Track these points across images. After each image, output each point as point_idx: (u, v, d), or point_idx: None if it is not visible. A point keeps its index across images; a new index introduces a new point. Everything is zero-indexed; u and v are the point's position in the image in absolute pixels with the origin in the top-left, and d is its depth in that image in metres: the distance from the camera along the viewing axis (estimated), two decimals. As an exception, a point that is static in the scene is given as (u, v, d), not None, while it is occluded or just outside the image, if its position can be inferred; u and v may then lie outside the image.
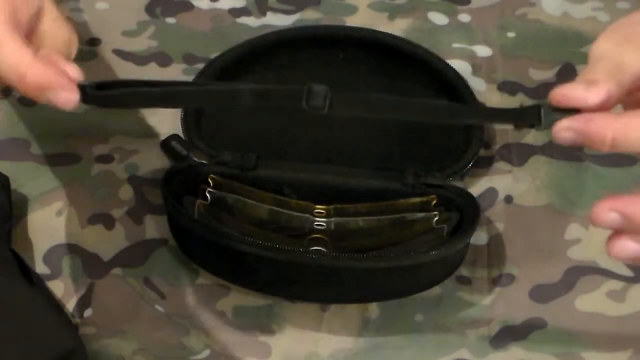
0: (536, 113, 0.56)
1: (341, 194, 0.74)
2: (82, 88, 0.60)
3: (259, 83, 0.80)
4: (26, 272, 0.71)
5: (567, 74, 0.83)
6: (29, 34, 0.63)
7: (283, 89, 0.59)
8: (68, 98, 0.61)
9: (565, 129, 0.56)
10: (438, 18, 0.87)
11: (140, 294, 0.72)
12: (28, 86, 0.60)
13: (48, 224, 0.75)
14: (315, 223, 0.74)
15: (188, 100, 0.64)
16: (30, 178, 0.77)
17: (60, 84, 0.60)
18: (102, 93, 0.61)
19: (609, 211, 0.55)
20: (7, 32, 0.60)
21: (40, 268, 0.73)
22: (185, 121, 0.77)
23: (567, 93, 0.56)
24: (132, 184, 0.77)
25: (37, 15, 0.64)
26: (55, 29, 0.65)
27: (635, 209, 0.55)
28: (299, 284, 0.69)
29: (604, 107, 0.55)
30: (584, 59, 0.83)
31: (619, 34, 0.58)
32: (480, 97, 0.80)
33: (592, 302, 0.72)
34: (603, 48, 0.58)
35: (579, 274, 0.73)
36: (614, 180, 0.77)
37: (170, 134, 0.78)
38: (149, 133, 0.79)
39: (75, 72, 0.61)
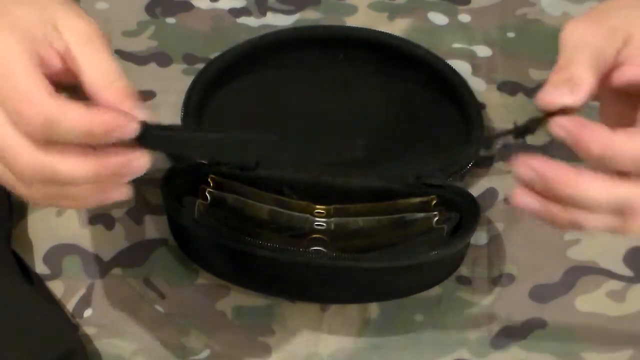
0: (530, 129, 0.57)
1: (341, 194, 0.74)
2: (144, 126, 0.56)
3: (258, 83, 0.80)
4: (26, 272, 0.71)
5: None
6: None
7: None
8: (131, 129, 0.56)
9: (559, 126, 0.56)
10: (438, 18, 0.87)
11: (140, 294, 0.72)
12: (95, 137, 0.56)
13: (48, 224, 0.75)
14: (316, 223, 0.74)
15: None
16: (30, 178, 0.77)
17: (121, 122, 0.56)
18: (162, 133, 0.57)
19: (529, 167, 0.56)
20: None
21: (40, 268, 0.73)
22: (185, 121, 0.77)
23: (553, 100, 0.56)
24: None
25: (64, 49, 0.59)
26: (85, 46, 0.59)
27: (550, 172, 0.55)
28: (299, 284, 0.69)
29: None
30: (584, 59, 0.83)
31: (595, 19, 0.58)
32: (480, 97, 0.80)
33: (592, 302, 0.72)
34: (579, 34, 0.57)
35: (579, 274, 0.73)
36: (614, 180, 0.77)
37: (170, 134, 0.78)
38: None
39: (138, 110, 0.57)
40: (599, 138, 0.55)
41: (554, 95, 0.56)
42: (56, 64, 0.58)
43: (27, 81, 0.56)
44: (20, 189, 0.59)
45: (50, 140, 0.56)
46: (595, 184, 0.55)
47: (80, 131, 0.55)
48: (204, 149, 0.62)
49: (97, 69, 0.58)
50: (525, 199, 0.57)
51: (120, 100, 0.57)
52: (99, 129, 0.55)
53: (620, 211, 0.56)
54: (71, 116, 0.55)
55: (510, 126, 0.60)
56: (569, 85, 0.56)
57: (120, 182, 0.58)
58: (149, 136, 0.57)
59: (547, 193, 0.56)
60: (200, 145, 0.60)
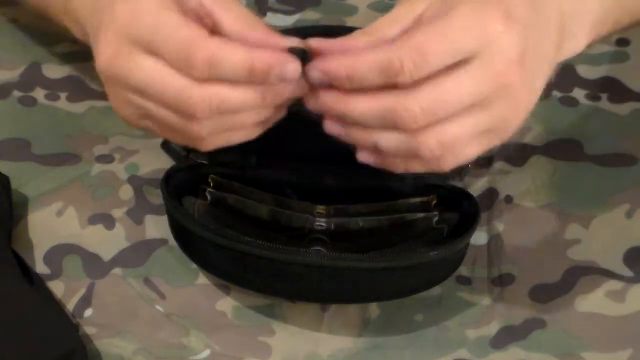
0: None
1: (341, 194, 0.74)
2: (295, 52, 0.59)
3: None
4: (26, 272, 0.71)
5: (567, 74, 0.83)
6: None
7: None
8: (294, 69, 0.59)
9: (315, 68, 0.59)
10: (438, 18, 0.87)
11: (140, 294, 0.72)
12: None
13: (48, 224, 0.75)
14: (316, 223, 0.74)
15: None
16: (30, 178, 0.77)
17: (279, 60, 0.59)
18: None
19: (315, 70, 0.59)
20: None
21: (40, 268, 0.73)
22: None
23: None
24: (132, 184, 0.77)
25: None
26: None
27: (326, 97, 0.60)
28: (299, 284, 0.69)
29: None
30: (585, 59, 0.84)
31: None
32: (480, 97, 0.80)
33: (592, 302, 0.72)
34: None
35: (579, 274, 0.73)
36: (613, 180, 0.77)
37: (171, 134, 0.78)
38: (149, 133, 0.79)
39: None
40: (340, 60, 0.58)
41: None
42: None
43: (184, 27, 0.59)
44: (190, 130, 0.61)
45: (213, 78, 0.59)
46: (360, 99, 0.58)
47: (243, 68, 0.58)
48: None
49: (235, 17, 0.60)
50: (332, 127, 0.61)
51: (268, 37, 0.60)
52: (260, 66, 0.58)
53: (385, 120, 0.58)
54: (234, 54, 0.58)
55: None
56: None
57: (281, 101, 0.61)
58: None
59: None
60: None
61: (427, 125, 0.58)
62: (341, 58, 0.59)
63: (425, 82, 0.57)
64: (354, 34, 0.61)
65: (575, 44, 0.65)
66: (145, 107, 0.62)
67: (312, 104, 0.61)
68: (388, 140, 0.59)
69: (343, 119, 0.60)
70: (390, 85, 0.58)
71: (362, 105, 0.59)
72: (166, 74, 0.60)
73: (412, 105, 0.57)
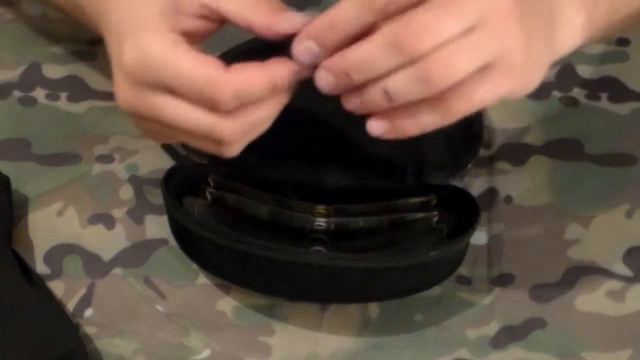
0: None
1: (341, 194, 0.74)
2: None
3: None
4: (26, 272, 0.71)
5: (567, 74, 0.83)
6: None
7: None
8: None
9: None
10: (438, 18, 0.87)
11: (140, 294, 0.72)
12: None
13: (48, 224, 0.75)
14: (316, 223, 0.74)
15: None
16: (30, 178, 0.77)
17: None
18: None
19: (305, 42, 0.59)
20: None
21: (40, 268, 0.73)
22: None
23: None
24: (132, 184, 0.77)
25: None
26: None
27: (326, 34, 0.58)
28: (299, 284, 0.69)
29: None
30: (585, 59, 0.84)
31: None
32: (480, 97, 0.80)
33: (592, 302, 0.72)
34: None
35: (579, 274, 0.73)
36: (613, 180, 0.77)
37: (171, 134, 0.78)
38: None
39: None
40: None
41: None
42: (192, 23, 0.62)
43: (199, 67, 0.59)
44: (221, 150, 0.62)
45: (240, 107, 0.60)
46: (360, 43, 0.57)
47: (267, 89, 0.59)
48: None
49: (237, 4, 0.61)
50: (349, 102, 0.60)
51: (273, 20, 0.60)
52: (282, 82, 0.59)
53: (390, 49, 0.56)
54: (255, 80, 0.59)
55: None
56: None
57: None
58: None
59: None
60: None
61: (431, 44, 0.56)
62: (345, 51, 0.58)
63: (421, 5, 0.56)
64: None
65: (569, 40, 0.64)
66: (176, 136, 0.63)
67: (322, 79, 0.59)
68: (397, 80, 0.57)
69: (351, 78, 0.58)
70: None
71: (364, 46, 0.57)
72: (192, 112, 0.60)
73: (414, 23, 0.56)
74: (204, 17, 0.62)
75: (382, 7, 0.56)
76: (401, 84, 0.57)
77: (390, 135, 0.59)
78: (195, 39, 0.63)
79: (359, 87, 0.58)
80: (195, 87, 0.59)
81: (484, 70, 0.57)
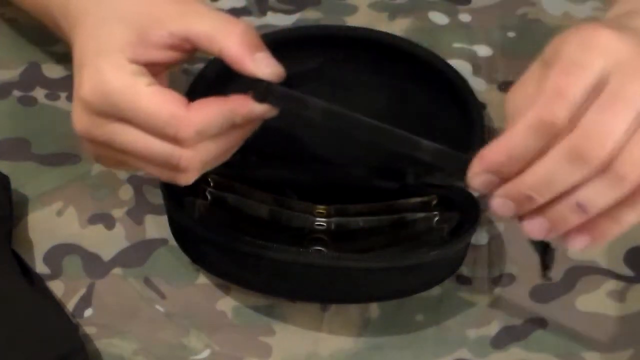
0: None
1: (341, 194, 0.74)
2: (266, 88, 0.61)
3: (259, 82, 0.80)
4: (26, 272, 0.71)
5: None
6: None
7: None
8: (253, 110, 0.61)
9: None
10: (438, 18, 0.87)
11: (140, 294, 0.72)
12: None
13: (48, 224, 0.75)
14: (316, 223, 0.74)
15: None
16: (30, 178, 0.77)
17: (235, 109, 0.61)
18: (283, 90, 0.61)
19: (483, 176, 0.58)
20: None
21: (40, 268, 0.73)
22: None
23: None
24: (132, 183, 0.77)
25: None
26: None
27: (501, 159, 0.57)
28: (299, 284, 0.69)
29: None
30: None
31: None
32: (481, 97, 0.80)
33: (592, 302, 0.72)
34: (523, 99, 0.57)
35: (579, 274, 0.73)
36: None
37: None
38: None
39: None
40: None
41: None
42: (160, 54, 0.62)
43: (161, 104, 0.59)
44: (178, 178, 0.62)
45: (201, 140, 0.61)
46: (534, 165, 0.56)
47: (228, 123, 0.60)
48: (316, 113, 0.63)
49: (208, 29, 0.61)
50: (532, 228, 0.58)
51: (246, 51, 0.61)
52: (240, 118, 0.61)
53: (572, 160, 0.55)
54: (216, 115, 0.60)
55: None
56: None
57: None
58: (272, 95, 0.61)
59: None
60: (313, 109, 0.62)
61: (613, 148, 0.55)
62: (492, 145, 0.57)
63: (584, 112, 0.55)
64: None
65: None
66: (130, 162, 0.63)
67: (501, 206, 0.58)
68: (589, 191, 0.56)
69: (533, 200, 0.57)
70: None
71: (544, 165, 0.56)
72: (149, 140, 0.60)
73: (589, 130, 0.55)
74: (173, 47, 0.62)
75: (561, 129, 0.55)
76: (594, 193, 0.56)
77: (595, 244, 0.58)
78: (162, 70, 0.63)
79: (542, 208, 0.57)
80: (156, 123, 0.59)
81: None
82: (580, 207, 0.56)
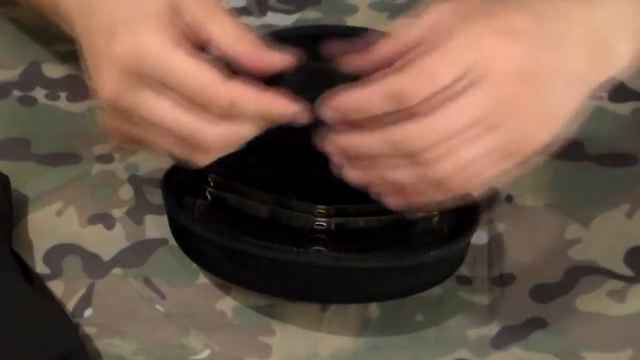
0: None
1: (341, 194, 0.74)
2: None
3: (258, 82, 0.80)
4: (26, 272, 0.71)
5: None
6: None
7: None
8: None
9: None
10: (438, 18, 0.87)
11: (140, 294, 0.72)
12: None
13: (48, 224, 0.75)
14: (316, 223, 0.74)
15: None
16: (30, 178, 0.77)
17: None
18: None
19: (328, 109, 0.61)
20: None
21: (40, 268, 0.73)
22: None
23: None
24: (132, 183, 0.77)
25: None
26: None
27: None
28: (299, 284, 0.69)
29: None
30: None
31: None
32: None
33: (592, 302, 0.72)
34: None
35: (579, 274, 0.73)
36: (614, 180, 0.77)
37: (171, 133, 0.78)
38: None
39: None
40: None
41: None
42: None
43: (199, 71, 0.59)
44: (195, 157, 0.63)
45: (229, 117, 0.61)
46: (373, 132, 0.60)
47: (261, 113, 0.61)
48: None
49: (224, 31, 0.61)
50: (352, 174, 0.63)
51: (254, 52, 0.61)
52: (277, 113, 0.61)
53: (399, 151, 0.59)
54: (252, 100, 0.60)
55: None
56: None
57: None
58: None
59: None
60: None
61: (442, 153, 0.59)
62: (350, 93, 0.60)
63: (432, 110, 0.58)
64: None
65: (618, 59, 0.63)
66: (149, 136, 0.63)
67: (329, 147, 0.63)
68: (406, 174, 0.60)
69: (359, 160, 0.61)
70: (399, 118, 0.59)
71: (375, 138, 0.60)
72: (179, 113, 0.61)
73: (423, 132, 0.58)
74: (193, 31, 0.62)
75: (405, 104, 0.58)
76: (410, 177, 0.60)
77: (406, 207, 0.63)
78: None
79: (365, 166, 0.62)
80: (191, 89, 0.59)
81: (493, 156, 0.60)
82: (396, 185, 0.61)
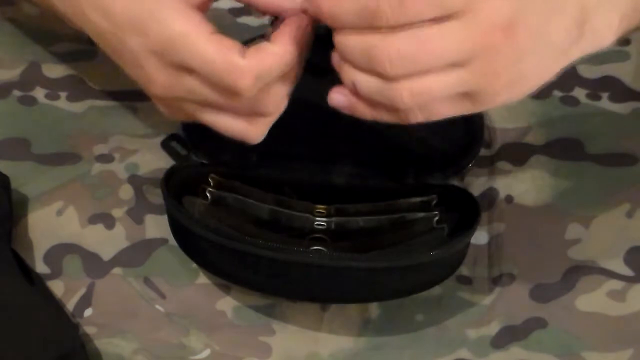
0: None
1: (341, 194, 0.74)
2: None
3: None
4: (26, 272, 0.71)
5: (568, 73, 0.83)
6: None
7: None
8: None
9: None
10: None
11: (140, 294, 0.72)
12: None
13: (48, 224, 0.75)
14: (316, 223, 0.74)
15: None
16: (30, 178, 0.77)
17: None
18: None
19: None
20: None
21: (40, 268, 0.73)
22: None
23: None
24: (132, 183, 0.77)
25: None
26: None
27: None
28: (299, 284, 0.69)
29: None
30: (585, 58, 0.83)
31: None
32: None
33: (592, 302, 0.72)
34: None
35: (579, 274, 0.73)
36: (614, 180, 0.77)
37: (171, 133, 0.78)
38: (149, 133, 0.79)
39: None
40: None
41: None
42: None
43: (217, 53, 0.60)
44: (253, 129, 0.65)
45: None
46: (348, 32, 0.59)
47: (283, 68, 0.62)
48: None
49: None
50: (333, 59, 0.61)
51: None
52: (297, 59, 0.62)
53: (365, 59, 0.58)
54: (273, 61, 0.61)
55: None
56: None
57: None
58: None
59: None
60: None
61: (403, 72, 0.58)
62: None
63: (406, 28, 0.57)
64: None
65: (599, 40, 0.63)
66: (204, 117, 0.64)
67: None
68: (366, 82, 0.59)
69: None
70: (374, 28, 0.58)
71: (348, 38, 0.59)
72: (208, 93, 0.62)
73: (390, 47, 0.57)
74: None
75: (373, 22, 0.57)
76: (369, 86, 0.60)
77: (347, 110, 0.62)
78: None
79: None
80: (216, 74, 0.60)
81: (453, 96, 0.59)
82: (354, 87, 0.60)
